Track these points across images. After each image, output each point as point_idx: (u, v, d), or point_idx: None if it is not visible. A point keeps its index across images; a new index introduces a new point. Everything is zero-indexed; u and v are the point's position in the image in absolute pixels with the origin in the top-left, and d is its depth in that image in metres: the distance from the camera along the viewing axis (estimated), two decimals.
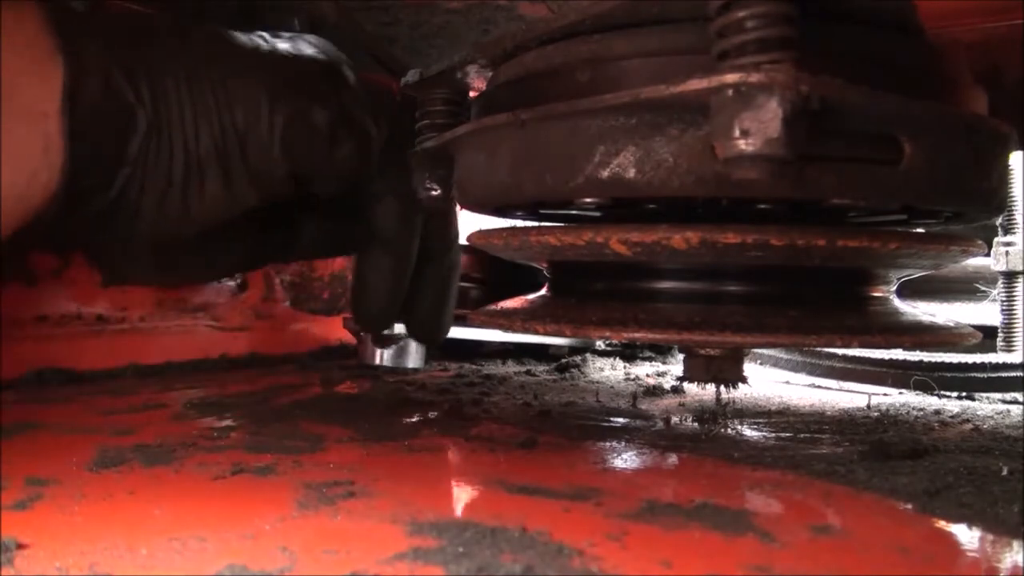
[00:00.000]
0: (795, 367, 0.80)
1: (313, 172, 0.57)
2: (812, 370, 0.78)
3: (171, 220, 0.52)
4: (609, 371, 0.79)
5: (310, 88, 0.56)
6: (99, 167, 0.48)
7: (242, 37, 0.56)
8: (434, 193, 0.52)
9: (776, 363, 0.83)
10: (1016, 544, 0.32)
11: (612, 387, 0.69)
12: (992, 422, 0.55)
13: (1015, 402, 0.63)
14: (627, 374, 0.77)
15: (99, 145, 0.48)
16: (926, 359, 0.71)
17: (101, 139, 0.48)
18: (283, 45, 0.57)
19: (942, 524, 0.35)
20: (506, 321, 0.45)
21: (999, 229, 0.80)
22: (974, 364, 0.70)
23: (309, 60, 0.57)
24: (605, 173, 0.37)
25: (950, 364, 0.70)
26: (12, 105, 0.44)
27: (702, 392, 0.65)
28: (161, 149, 0.50)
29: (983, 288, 0.90)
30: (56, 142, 0.46)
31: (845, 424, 0.54)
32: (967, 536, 0.33)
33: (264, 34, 0.57)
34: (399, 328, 0.73)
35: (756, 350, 0.82)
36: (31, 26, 0.46)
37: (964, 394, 0.66)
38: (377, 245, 0.62)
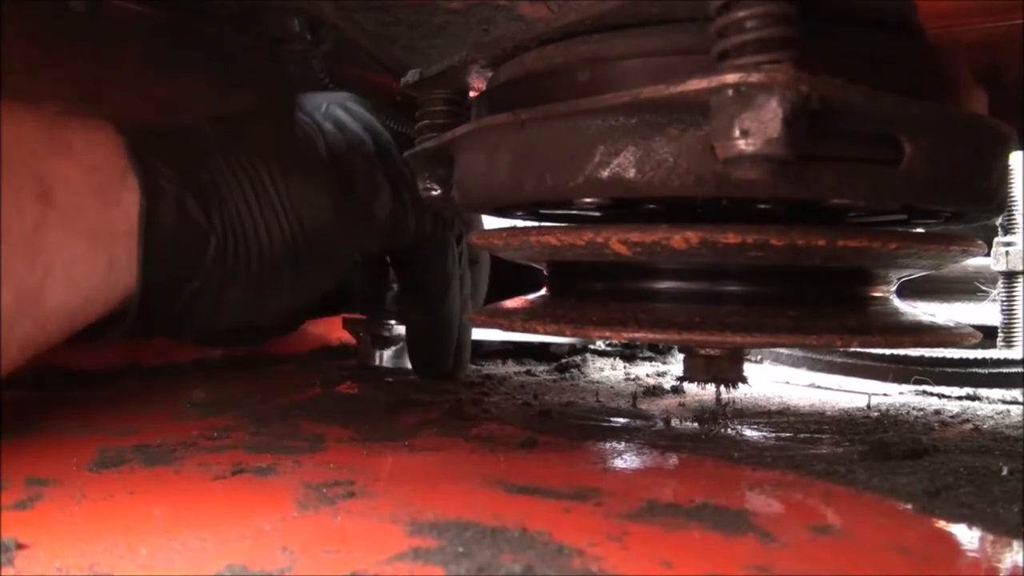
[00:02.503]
0: (796, 363, 0.80)
1: (377, 251, 0.61)
2: (813, 365, 0.78)
3: (245, 318, 0.54)
4: (609, 371, 0.79)
5: (368, 180, 0.59)
6: (167, 285, 0.49)
7: (297, 128, 0.57)
8: (434, 193, 0.52)
9: (777, 359, 0.83)
10: (1016, 544, 0.32)
11: (612, 387, 0.69)
12: (992, 422, 0.55)
13: (1015, 402, 0.63)
14: (627, 374, 0.77)
15: (169, 267, 0.49)
16: (927, 355, 0.71)
17: (172, 261, 0.49)
18: (333, 129, 0.59)
19: (942, 524, 0.35)
20: (506, 321, 0.45)
21: (999, 229, 0.80)
22: (975, 360, 0.70)
23: (362, 147, 0.59)
24: (605, 173, 0.37)
25: (951, 360, 0.70)
26: (74, 224, 0.44)
27: (702, 392, 0.65)
28: (234, 259, 0.51)
29: (983, 288, 0.90)
30: (123, 263, 0.46)
31: (845, 424, 0.54)
32: (967, 536, 0.33)
33: (313, 113, 0.59)
34: (401, 329, 0.73)
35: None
36: (104, 148, 0.46)
37: (966, 392, 0.66)
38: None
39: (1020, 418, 0.57)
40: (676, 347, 0.85)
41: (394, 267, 0.70)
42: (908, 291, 0.58)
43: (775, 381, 0.75)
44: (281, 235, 0.53)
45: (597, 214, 0.51)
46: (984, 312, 0.88)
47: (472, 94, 0.51)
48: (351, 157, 0.58)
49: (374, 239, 0.61)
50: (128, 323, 0.48)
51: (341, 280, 0.61)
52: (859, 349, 0.74)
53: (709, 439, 0.50)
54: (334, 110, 0.60)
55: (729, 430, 0.52)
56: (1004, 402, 0.63)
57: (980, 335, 0.46)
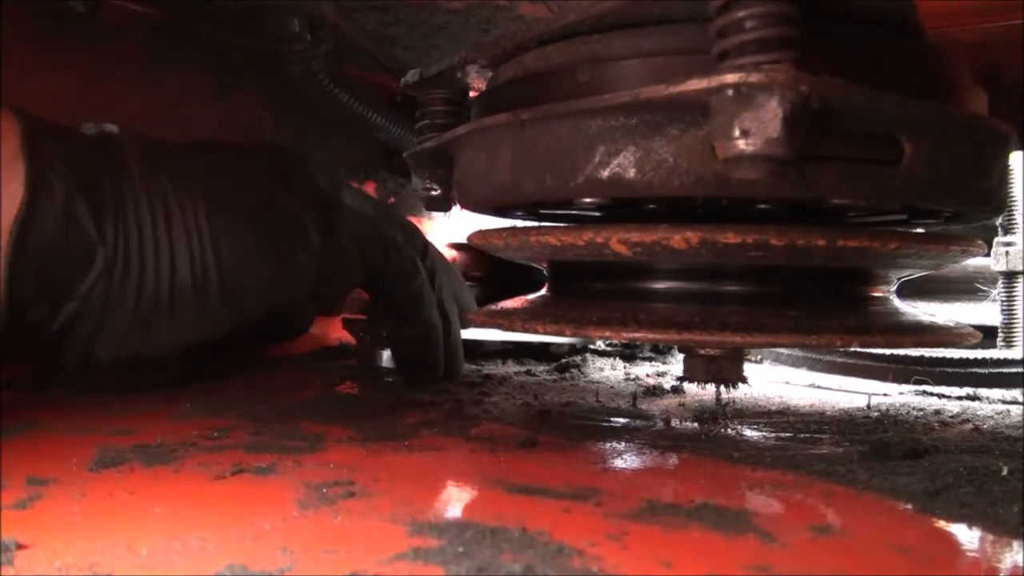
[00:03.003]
0: (796, 363, 0.80)
1: (302, 296, 0.58)
2: (813, 365, 0.78)
3: (129, 349, 0.50)
4: (609, 371, 0.79)
5: (297, 231, 0.56)
6: (42, 305, 0.45)
7: (241, 169, 0.54)
8: (434, 193, 0.52)
9: (777, 359, 0.83)
10: (1016, 544, 0.32)
11: (612, 387, 0.69)
12: (992, 422, 0.55)
13: (1015, 402, 0.63)
14: (627, 374, 0.77)
15: (47, 273, 0.44)
16: (927, 355, 0.71)
17: (51, 268, 0.44)
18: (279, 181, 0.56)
19: (942, 524, 0.35)
20: (506, 321, 0.45)
21: (999, 229, 0.80)
22: (975, 360, 0.70)
23: (303, 200, 0.57)
24: (605, 173, 0.37)
25: (951, 360, 0.70)
26: None
27: (702, 392, 0.65)
28: (125, 281, 0.47)
29: (983, 288, 0.90)
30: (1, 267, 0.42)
31: (845, 424, 0.54)
32: (967, 536, 0.33)
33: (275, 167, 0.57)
34: None
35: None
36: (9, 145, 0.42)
37: (966, 392, 0.66)
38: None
39: (1020, 418, 0.57)
40: (676, 347, 0.85)
41: (366, 292, 0.69)
42: (908, 291, 0.58)
43: (775, 381, 0.75)
44: (189, 264, 0.50)
45: (597, 214, 0.51)
46: (984, 312, 0.87)
47: (472, 94, 0.51)
48: (288, 206, 0.56)
49: (300, 286, 0.58)
50: None
51: (281, 314, 0.59)
52: (859, 349, 0.73)
53: (709, 439, 0.50)
54: (297, 172, 0.59)
55: (729, 430, 0.52)
56: (1004, 402, 0.63)
57: (980, 335, 0.45)
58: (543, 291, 0.49)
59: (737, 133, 0.31)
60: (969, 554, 0.32)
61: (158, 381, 0.58)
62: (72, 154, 0.46)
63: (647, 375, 0.77)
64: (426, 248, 0.67)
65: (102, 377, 0.55)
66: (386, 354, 0.75)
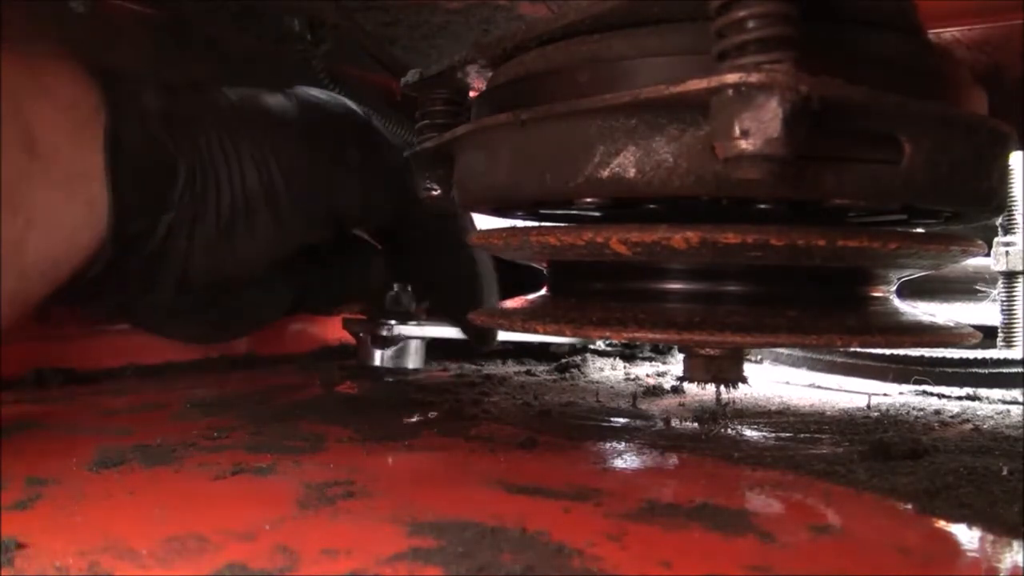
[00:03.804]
0: (796, 363, 0.80)
1: (354, 210, 0.60)
2: (813, 365, 0.78)
3: (219, 262, 0.54)
4: (609, 371, 0.79)
5: (342, 132, 0.59)
6: (142, 215, 0.49)
7: (265, 92, 0.58)
8: (434, 193, 0.52)
9: (777, 359, 0.83)
10: (1016, 544, 0.32)
11: (612, 387, 0.69)
12: (992, 422, 0.55)
13: (1015, 402, 0.63)
14: (627, 374, 0.77)
15: (140, 192, 0.48)
16: (927, 355, 0.71)
17: (142, 186, 0.48)
18: (304, 98, 0.60)
19: (942, 524, 0.35)
20: (506, 321, 0.45)
21: (999, 229, 0.80)
22: (975, 360, 0.70)
23: (334, 115, 0.60)
24: (605, 173, 0.37)
25: (951, 360, 0.70)
26: (54, 171, 0.43)
27: (702, 392, 0.65)
28: (205, 192, 0.51)
29: (983, 288, 0.90)
30: (101, 204, 0.46)
31: (845, 424, 0.54)
32: (967, 536, 0.33)
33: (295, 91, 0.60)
34: (404, 329, 0.73)
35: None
36: (78, 86, 0.46)
37: (966, 392, 0.66)
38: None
39: (1020, 418, 0.57)
40: (676, 347, 0.85)
41: (401, 242, 0.68)
42: (908, 291, 0.58)
43: (775, 381, 0.75)
44: (257, 174, 0.53)
45: (597, 214, 0.51)
46: (984, 312, 0.87)
47: (472, 94, 0.51)
48: (322, 120, 0.59)
49: (350, 197, 0.60)
50: (104, 261, 0.47)
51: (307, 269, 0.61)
52: (859, 349, 0.73)
53: (709, 439, 0.50)
54: (307, 90, 0.62)
55: (729, 430, 0.52)
56: (1004, 402, 0.63)
57: (980, 335, 0.45)
58: (543, 291, 0.49)
59: (737, 133, 0.31)
60: (969, 554, 0.32)
61: (247, 321, 0.62)
62: (138, 88, 0.50)
63: (647, 375, 0.77)
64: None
65: (190, 320, 0.57)
66: (386, 354, 0.75)
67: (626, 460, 0.45)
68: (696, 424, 0.54)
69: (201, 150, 0.51)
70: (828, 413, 0.59)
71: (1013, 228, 0.79)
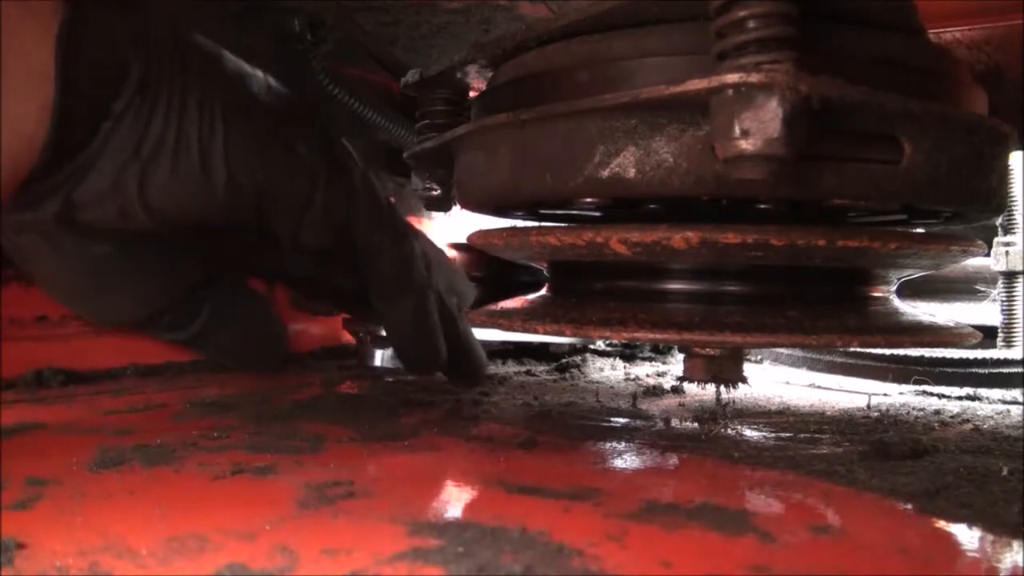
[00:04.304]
0: (796, 363, 0.80)
1: (292, 210, 0.56)
2: (813, 365, 0.78)
3: (121, 200, 0.50)
4: (609, 371, 0.79)
5: (293, 120, 0.56)
6: (86, 121, 0.47)
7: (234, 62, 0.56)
8: (434, 193, 0.52)
9: (777, 359, 0.83)
10: (1016, 544, 0.32)
11: (612, 387, 0.69)
12: (992, 422, 0.55)
13: (1015, 402, 0.63)
14: (627, 374, 0.77)
15: (89, 98, 0.46)
16: (927, 355, 0.71)
17: (94, 90, 0.46)
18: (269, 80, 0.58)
19: (942, 524, 0.35)
20: (506, 321, 0.45)
21: (999, 229, 0.80)
22: (975, 360, 0.70)
23: (294, 96, 0.58)
24: (605, 173, 0.37)
25: (951, 360, 0.70)
26: (15, 67, 0.42)
27: (702, 392, 0.65)
28: (145, 109, 0.49)
29: (983, 288, 0.90)
30: (49, 96, 0.44)
31: (845, 424, 0.54)
32: (967, 536, 0.33)
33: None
34: None
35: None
36: None
37: (966, 392, 0.66)
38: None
39: (1020, 418, 0.57)
40: (676, 347, 0.85)
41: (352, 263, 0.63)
42: (908, 291, 0.58)
43: (775, 381, 0.75)
44: (198, 119, 0.50)
45: (597, 214, 0.51)
46: (984, 312, 0.87)
47: (472, 94, 0.51)
48: (283, 108, 0.57)
49: (295, 183, 0.56)
50: (43, 164, 0.45)
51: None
52: (859, 349, 0.73)
53: (709, 439, 0.50)
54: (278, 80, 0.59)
55: (729, 430, 0.52)
56: (1004, 402, 0.63)
57: (980, 335, 0.45)
58: (543, 291, 0.49)
59: (737, 133, 0.31)
60: (969, 554, 0.32)
61: (137, 294, 0.57)
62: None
63: (647, 375, 0.77)
64: (417, 233, 0.64)
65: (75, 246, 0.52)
66: (386, 354, 0.75)
67: (626, 460, 0.45)
68: (696, 424, 0.54)
69: (151, 71, 0.49)
70: (828, 413, 0.59)
71: (1013, 228, 0.79)
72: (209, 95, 0.51)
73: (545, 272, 0.50)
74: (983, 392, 0.66)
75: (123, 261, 0.54)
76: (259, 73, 0.57)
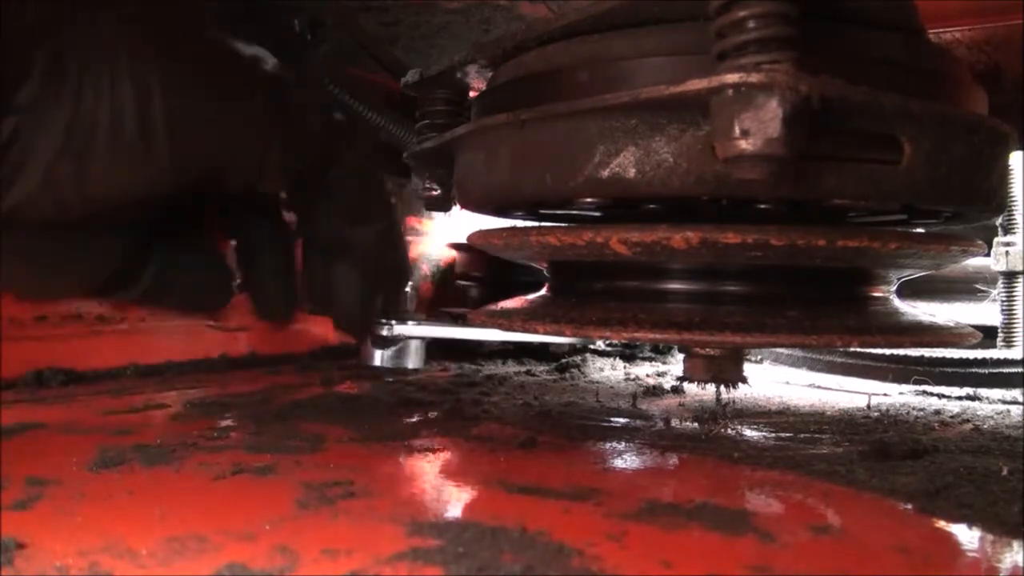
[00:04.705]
0: (796, 363, 0.80)
1: (246, 171, 0.53)
2: (813, 365, 0.78)
3: (60, 194, 0.46)
4: (609, 371, 0.79)
5: (243, 85, 0.52)
6: None
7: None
8: (434, 193, 0.52)
9: (777, 359, 0.83)
10: (1016, 544, 0.32)
11: (612, 387, 0.69)
12: (992, 422, 0.55)
13: (1015, 402, 0.63)
14: (627, 374, 0.77)
15: None
16: (927, 355, 0.71)
17: None
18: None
19: (942, 524, 0.35)
20: (506, 321, 0.45)
21: (999, 229, 0.80)
22: (975, 360, 0.70)
23: (254, 55, 0.53)
24: (605, 173, 0.37)
25: (951, 360, 0.70)
26: None
27: (702, 392, 0.65)
28: (68, 91, 0.44)
29: (983, 288, 0.90)
30: None
31: (845, 424, 0.54)
32: (967, 536, 0.33)
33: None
34: (404, 329, 0.73)
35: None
36: None
37: (966, 392, 0.66)
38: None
39: (1020, 418, 0.57)
40: (676, 347, 0.85)
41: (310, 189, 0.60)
42: (908, 291, 0.58)
43: (775, 381, 0.75)
44: (135, 100, 0.46)
45: (597, 214, 0.51)
46: (984, 312, 0.87)
47: (472, 94, 0.51)
48: (231, 62, 0.53)
49: (245, 139, 0.53)
50: None
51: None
52: (859, 349, 0.73)
53: (709, 439, 0.50)
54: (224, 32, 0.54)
55: (729, 430, 0.52)
56: (1004, 402, 0.63)
57: (980, 335, 0.45)
58: (543, 291, 0.49)
59: (737, 133, 0.31)
60: (969, 554, 0.32)
61: (82, 273, 0.53)
62: None
63: (647, 375, 0.77)
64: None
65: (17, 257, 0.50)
66: (386, 354, 0.75)
67: (626, 460, 0.45)
68: (696, 424, 0.54)
69: (68, 53, 0.44)
70: (828, 413, 0.59)
71: (1013, 228, 0.79)
72: (145, 63, 0.47)
73: (545, 272, 0.50)
74: (983, 392, 0.66)
75: (62, 250, 0.52)
76: (214, 30, 0.53)
